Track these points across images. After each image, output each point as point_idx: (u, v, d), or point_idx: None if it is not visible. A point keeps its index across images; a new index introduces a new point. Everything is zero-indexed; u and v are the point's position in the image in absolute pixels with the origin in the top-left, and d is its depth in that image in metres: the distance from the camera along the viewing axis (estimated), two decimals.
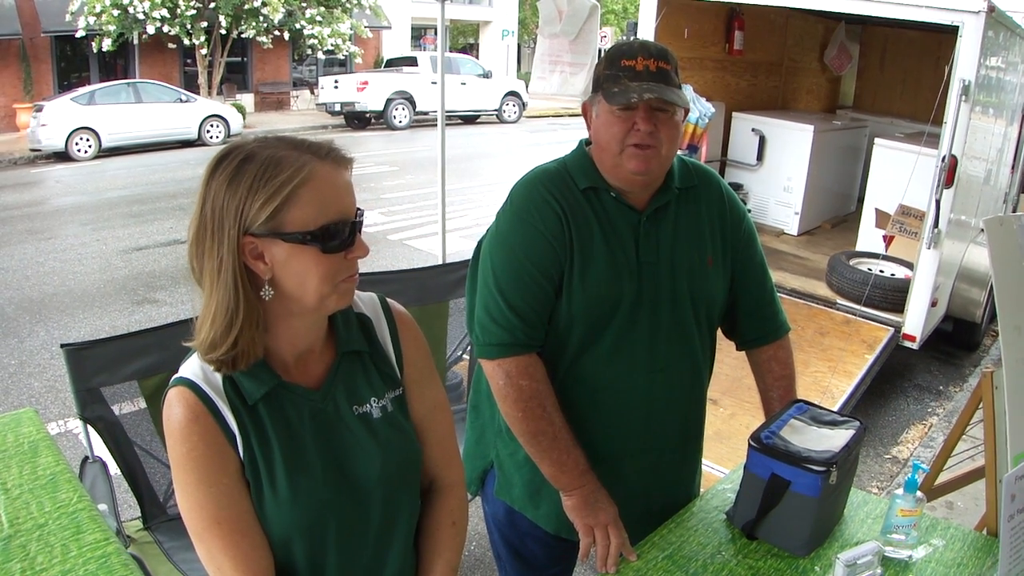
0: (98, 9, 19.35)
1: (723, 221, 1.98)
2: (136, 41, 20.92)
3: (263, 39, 22.01)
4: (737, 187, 6.89)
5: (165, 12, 19.81)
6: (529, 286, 1.85)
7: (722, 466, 3.30)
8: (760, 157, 6.93)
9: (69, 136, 16.71)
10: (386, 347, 1.57)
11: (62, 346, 2.79)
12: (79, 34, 20.02)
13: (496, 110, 23.57)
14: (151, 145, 17.91)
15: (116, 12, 19.48)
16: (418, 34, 31.48)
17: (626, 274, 1.86)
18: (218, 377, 1.38)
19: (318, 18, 22.31)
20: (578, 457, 1.89)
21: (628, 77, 1.77)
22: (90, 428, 2.81)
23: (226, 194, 1.29)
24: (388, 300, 1.63)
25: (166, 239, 9.62)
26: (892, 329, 4.92)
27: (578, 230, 1.85)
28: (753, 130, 6.91)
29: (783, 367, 2.11)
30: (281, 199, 1.29)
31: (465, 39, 35.33)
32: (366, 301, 1.60)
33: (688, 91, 6.14)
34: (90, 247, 9.29)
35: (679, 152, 1.99)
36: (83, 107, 17.13)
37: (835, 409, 4.25)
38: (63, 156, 16.83)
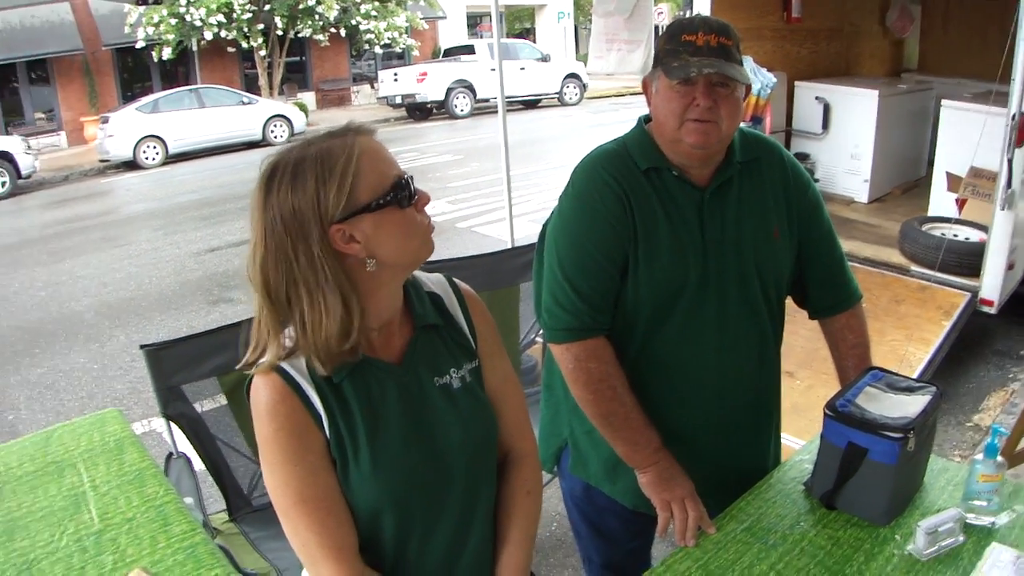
0: (156, 20, 19.82)
1: (787, 191, 1.97)
2: (195, 48, 21.33)
3: (320, 37, 22.26)
4: (803, 157, 6.77)
5: (221, 17, 20.17)
6: (594, 271, 1.86)
7: (800, 439, 3.26)
8: (825, 125, 6.79)
9: (136, 144, 17.18)
10: (459, 321, 1.62)
11: (141, 347, 2.88)
12: (139, 45, 20.53)
13: (557, 93, 23.43)
14: (217, 148, 18.30)
15: (173, 21, 19.94)
16: (474, 22, 31.47)
17: (691, 254, 1.85)
18: (302, 359, 1.42)
19: (373, 13, 22.46)
20: (651, 435, 1.90)
21: (688, 52, 1.75)
22: (173, 425, 2.89)
23: (294, 199, 1.34)
24: (454, 278, 1.68)
25: (237, 239, 9.79)
26: (969, 294, 4.79)
27: (641, 212, 1.85)
28: (817, 98, 6.77)
29: (857, 335, 2.08)
30: (351, 178, 1.35)
31: (521, 24, 35.26)
32: (434, 281, 1.66)
33: (748, 62, 6.04)
34: (164, 251, 9.53)
35: (741, 124, 1.97)
36: (148, 115, 17.59)
37: (914, 377, 4.19)
38: (131, 164, 17.32)
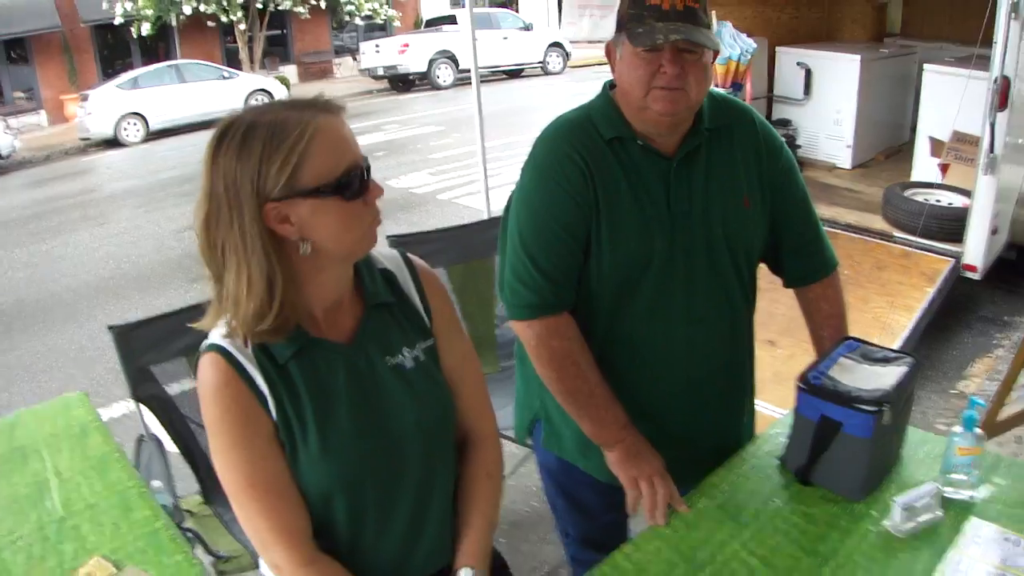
0: None
1: (759, 156, 1.90)
2: (175, 23, 21.06)
3: (300, 9, 22.06)
4: (786, 123, 6.72)
5: None
6: (555, 246, 1.81)
7: (781, 408, 3.21)
8: (807, 91, 6.71)
9: (117, 122, 17.01)
10: (412, 299, 1.58)
11: (109, 328, 2.84)
12: (117, 21, 20.26)
13: (540, 62, 23.09)
14: (198, 124, 17.94)
15: None
16: None
17: (657, 227, 1.79)
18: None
19: None
20: (617, 412, 1.86)
21: (654, 16, 1.67)
22: (143, 407, 2.85)
23: (237, 167, 1.29)
24: (409, 254, 1.63)
25: None
26: (952, 260, 4.74)
27: (603, 185, 1.78)
28: (798, 64, 6.69)
29: (832, 305, 2.04)
30: (296, 158, 1.30)
31: None
32: (388, 256, 1.61)
33: (727, 28, 5.97)
34: (144, 229, 9.38)
35: (715, 88, 1.91)
36: (128, 92, 17.41)
37: (897, 345, 4.15)
38: (113, 142, 17.13)
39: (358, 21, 23.91)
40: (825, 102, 6.66)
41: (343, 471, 1.43)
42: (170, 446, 2.90)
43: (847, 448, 1.68)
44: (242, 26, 21.47)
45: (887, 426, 1.66)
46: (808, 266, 2.02)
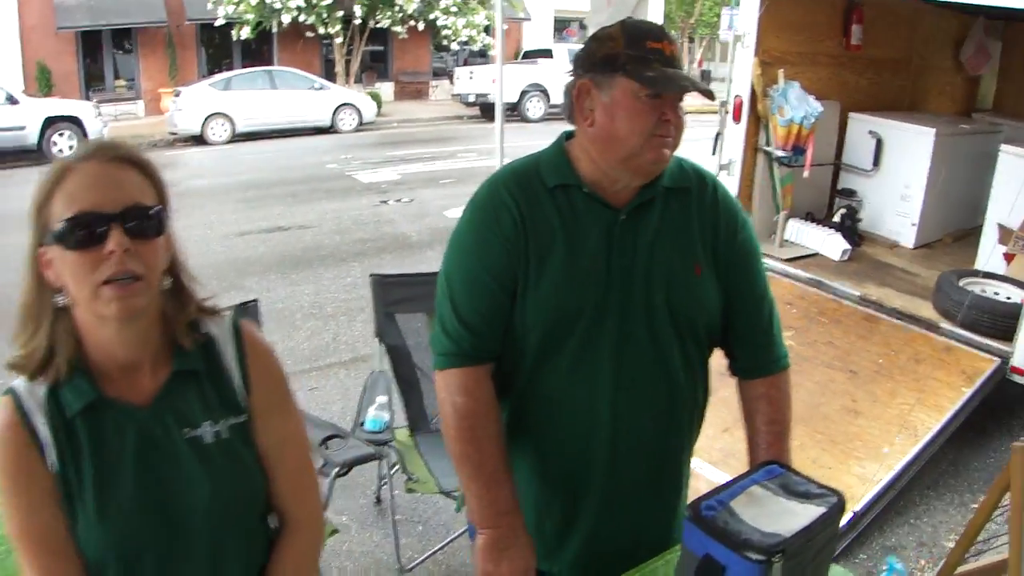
0: None
1: (716, 229, 1.75)
2: (275, 30, 21.44)
3: (398, 29, 22.24)
4: (850, 193, 6.41)
5: (301, 2, 20.31)
6: (480, 293, 1.69)
7: None
8: (877, 162, 6.35)
9: (205, 120, 17.39)
10: (230, 371, 1.44)
11: None
12: (219, 23, 20.73)
13: None
14: (285, 131, 18.32)
15: (254, 1, 20.09)
16: (561, 26, 31.16)
17: (591, 281, 1.65)
18: (42, 389, 1.31)
19: (453, 8, 22.34)
20: (500, 494, 1.68)
21: (661, 61, 1.58)
22: None
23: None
24: (242, 323, 1.49)
25: (269, 225, 9.70)
26: (998, 360, 4.32)
27: (536, 233, 1.66)
28: (870, 132, 6.34)
29: (776, 410, 1.83)
30: (43, 201, 1.29)
31: None
32: (219, 321, 1.48)
33: (794, 88, 5.73)
34: (194, 230, 9.30)
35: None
36: (220, 92, 17.84)
37: (918, 448, 3.79)
38: (199, 139, 17.52)
39: (454, 46, 24.02)
40: (894, 175, 6.31)
41: (119, 540, 1.33)
42: None
43: None
44: (339, 39, 21.75)
45: None
46: (752, 359, 1.85)
